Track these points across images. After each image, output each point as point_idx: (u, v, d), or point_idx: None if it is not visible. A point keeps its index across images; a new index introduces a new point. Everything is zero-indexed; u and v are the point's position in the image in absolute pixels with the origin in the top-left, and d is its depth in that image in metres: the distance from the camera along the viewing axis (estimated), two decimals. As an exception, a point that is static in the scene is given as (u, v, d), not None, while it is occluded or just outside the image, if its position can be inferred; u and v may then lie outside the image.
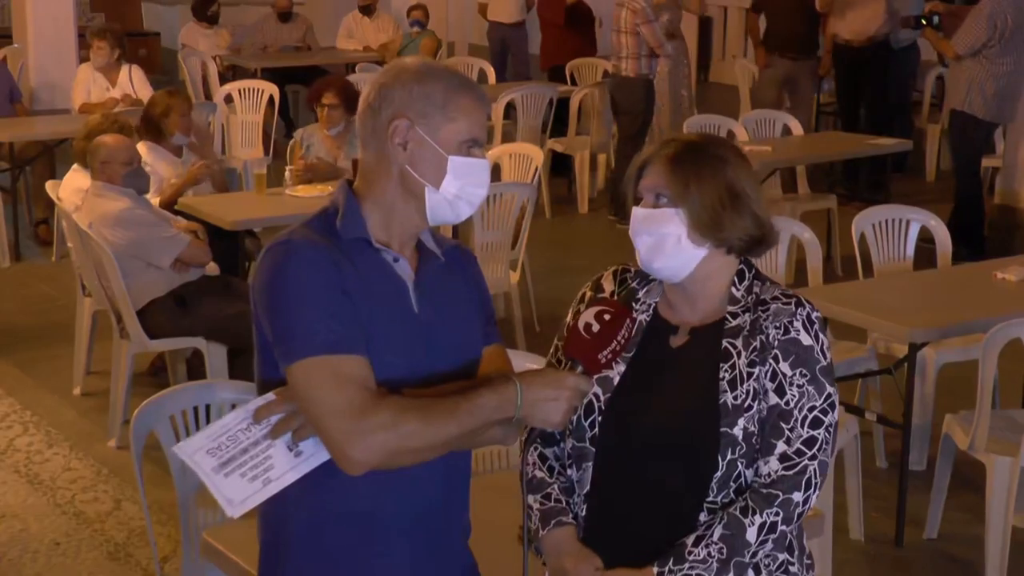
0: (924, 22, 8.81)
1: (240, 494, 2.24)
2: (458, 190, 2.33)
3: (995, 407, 4.93)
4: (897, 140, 8.90)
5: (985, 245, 8.31)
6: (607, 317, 2.34)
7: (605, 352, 2.33)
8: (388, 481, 2.28)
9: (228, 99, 9.74)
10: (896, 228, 5.80)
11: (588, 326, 2.33)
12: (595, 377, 2.43)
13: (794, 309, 2.48)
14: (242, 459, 2.25)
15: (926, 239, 5.88)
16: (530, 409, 2.26)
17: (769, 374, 2.45)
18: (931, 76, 10.86)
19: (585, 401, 2.52)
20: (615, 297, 2.61)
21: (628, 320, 2.38)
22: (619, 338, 2.35)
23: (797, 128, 8.72)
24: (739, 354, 2.47)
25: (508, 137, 9.62)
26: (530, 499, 2.60)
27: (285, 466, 2.26)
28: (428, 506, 2.35)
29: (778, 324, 2.47)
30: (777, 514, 2.44)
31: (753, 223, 2.52)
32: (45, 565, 4.68)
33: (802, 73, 10.02)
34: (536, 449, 2.64)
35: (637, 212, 2.54)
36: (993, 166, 9.11)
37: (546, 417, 2.28)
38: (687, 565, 2.43)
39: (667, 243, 2.50)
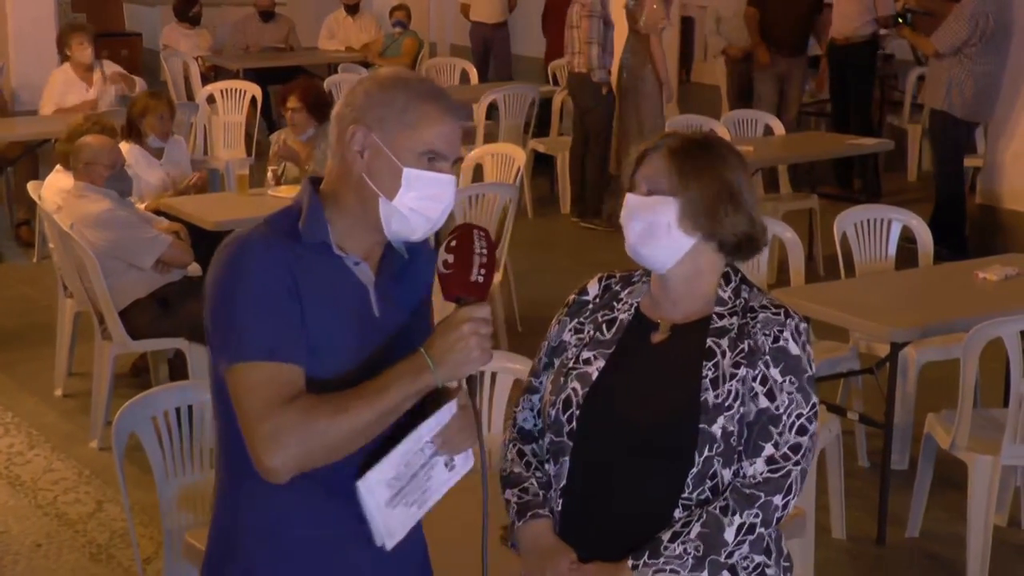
0: (901, 20, 8.84)
1: (399, 526, 2.22)
2: (414, 203, 2.24)
3: (976, 406, 4.94)
4: (878, 140, 8.92)
5: (967, 245, 8.34)
6: (454, 244, 2.25)
7: (474, 271, 2.23)
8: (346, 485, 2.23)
9: (210, 100, 9.71)
10: (878, 228, 5.81)
11: (445, 262, 2.24)
12: (576, 368, 2.44)
13: (784, 319, 2.50)
14: (410, 486, 2.21)
15: (908, 239, 5.89)
16: (445, 361, 2.16)
17: (759, 378, 2.46)
18: (912, 75, 10.88)
19: (563, 396, 2.55)
20: (597, 300, 2.62)
21: (474, 232, 2.27)
22: (477, 251, 2.24)
23: (779, 128, 8.73)
24: (723, 354, 2.49)
25: (490, 137, 9.62)
26: (508, 493, 2.62)
27: (439, 485, 2.23)
28: None
29: (768, 332, 2.49)
30: (757, 516, 2.45)
31: (747, 222, 2.53)
32: (27, 567, 4.66)
33: (793, 71, 10.04)
34: (515, 445, 2.65)
35: (631, 199, 2.56)
36: (975, 166, 9.13)
37: (466, 359, 2.17)
38: (662, 560, 2.44)
39: (657, 230, 2.51)
